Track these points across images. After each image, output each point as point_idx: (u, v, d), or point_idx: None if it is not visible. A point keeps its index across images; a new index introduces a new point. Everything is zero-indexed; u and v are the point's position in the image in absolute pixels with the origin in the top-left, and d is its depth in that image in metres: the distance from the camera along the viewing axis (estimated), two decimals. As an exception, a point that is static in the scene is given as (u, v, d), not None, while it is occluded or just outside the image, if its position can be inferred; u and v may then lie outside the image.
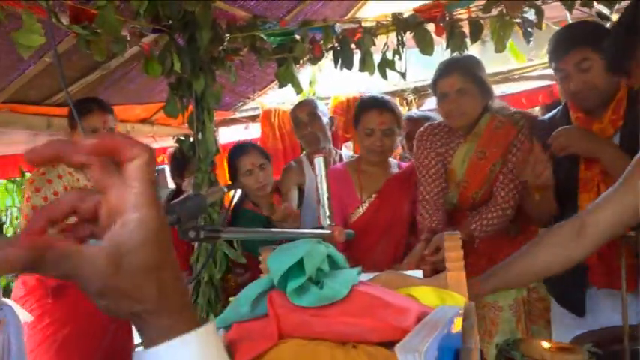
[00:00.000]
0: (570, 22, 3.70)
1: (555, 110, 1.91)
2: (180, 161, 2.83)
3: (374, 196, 2.08)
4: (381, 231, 2.04)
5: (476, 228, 1.85)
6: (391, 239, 2.05)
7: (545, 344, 1.31)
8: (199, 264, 2.18)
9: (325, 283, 0.97)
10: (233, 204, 2.39)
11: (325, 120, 2.52)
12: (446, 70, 1.94)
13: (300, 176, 2.51)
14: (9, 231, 3.73)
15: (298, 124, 2.52)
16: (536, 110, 3.75)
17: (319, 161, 1.24)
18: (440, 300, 1.13)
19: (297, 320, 0.96)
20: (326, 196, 1.25)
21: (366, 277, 1.32)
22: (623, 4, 2.18)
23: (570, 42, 1.69)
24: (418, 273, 1.34)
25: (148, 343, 0.42)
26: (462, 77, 1.89)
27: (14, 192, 3.70)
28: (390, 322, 0.90)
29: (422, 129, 2.09)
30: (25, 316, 2.02)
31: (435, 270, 1.58)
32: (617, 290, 1.59)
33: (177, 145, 2.49)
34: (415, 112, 2.90)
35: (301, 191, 2.50)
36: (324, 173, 1.25)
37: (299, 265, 0.96)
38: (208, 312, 2.21)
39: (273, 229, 1.53)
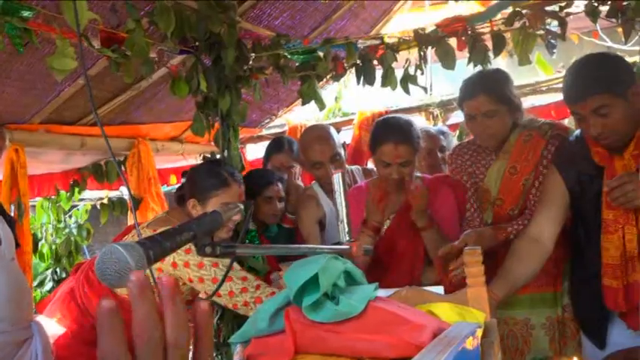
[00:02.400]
0: (600, 31, 3.64)
1: (573, 137, 1.78)
2: None
3: (392, 216, 2.05)
4: (403, 249, 2.02)
5: (512, 231, 1.78)
6: (414, 256, 2.03)
7: (573, 363, 1.27)
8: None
9: (341, 299, 0.98)
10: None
11: (342, 152, 2.28)
12: (472, 90, 1.86)
13: (318, 211, 2.32)
14: (44, 247, 3.86)
15: (316, 166, 2.25)
16: (566, 122, 3.68)
17: (337, 177, 1.26)
18: (459, 316, 1.12)
19: (313, 336, 0.97)
20: (345, 211, 1.26)
21: (386, 293, 1.31)
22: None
23: (586, 87, 1.53)
24: (439, 289, 1.33)
25: None
26: (488, 98, 1.82)
27: (49, 209, 3.83)
28: (405, 339, 0.89)
29: (452, 150, 2.06)
30: (55, 329, 2.07)
31: (456, 285, 1.56)
32: None
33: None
34: (431, 127, 2.85)
35: (321, 224, 2.33)
36: (342, 189, 1.26)
37: (315, 281, 0.97)
38: (234, 328, 2.23)
39: (290, 245, 1.54)
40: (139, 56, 2.03)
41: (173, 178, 4.28)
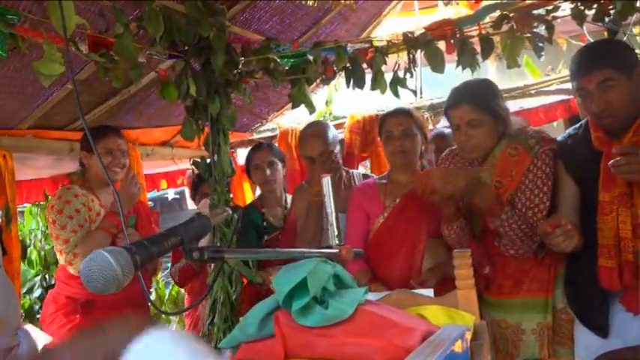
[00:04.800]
0: (588, 35, 3.69)
1: (578, 125, 1.86)
2: (198, 183, 2.89)
3: (397, 200, 2.10)
4: (401, 237, 2.04)
5: (502, 224, 1.76)
6: (413, 248, 2.04)
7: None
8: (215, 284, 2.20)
9: (330, 303, 0.97)
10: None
11: (338, 148, 2.40)
12: (456, 99, 1.86)
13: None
14: (33, 253, 3.82)
15: (311, 162, 2.38)
16: (555, 125, 3.71)
17: (326, 181, 1.25)
18: (449, 319, 1.12)
19: (303, 340, 0.96)
20: (334, 215, 1.25)
21: (376, 296, 1.31)
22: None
23: (593, 62, 1.64)
24: (429, 292, 1.33)
25: None
26: (472, 108, 1.81)
27: (38, 215, 3.79)
28: (394, 342, 0.89)
29: (443, 154, 2.06)
30: (44, 338, 2.06)
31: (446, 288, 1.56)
32: None
33: (193, 167, 2.54)
34: (445, 128, 2.88)
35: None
36: (331, 193, 1.26)
37: (304, 285, 0.97)
38: (225, 332, 2.22)
39: (278, 250, 1.54)
40: (128, 61, 2.02)
41: (164, 183, 4.26)
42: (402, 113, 2.16)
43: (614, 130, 1.67)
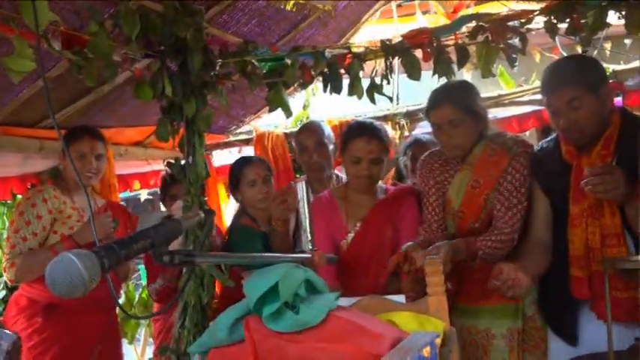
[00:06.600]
0: (560, 47, 3.78)
1: (549, 139, 1.90)
2: (169, 185, 2.84)
3: (358, 224, 2.07)
4: (368, 258, 2.04)
5: (480, 247, 1.81)
6: (379, 265, 2.04)
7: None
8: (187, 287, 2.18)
9: (301, 309, 0.97)
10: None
11: (331, 147, 2.46)
12: (437, 100, 1.91)
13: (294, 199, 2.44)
14: (-1, 253, 3.71)
15: (303, 150, 2.46)
16: (527, 135, 3.79)
17: (301, 186, 1.25)
18: (419, 325, 1.13)
19: (273, 345, 0.96)
20: (308, 220, 1.26)
21: (347, 301, 1.31)
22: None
23: (562, 80, 1.68)
24: (400, 298, 1.34)
25: None
26: (453, 108, 1.86)
27: (4, 215, 3.69)
28: (364, 348, 0.90)
29: (423, 156, 2.09)
30: (9, 339, 2.01)
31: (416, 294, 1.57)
32: (623, 322, 1.60)
33: (167, 168, 2.50)
34: (424, 135, 2.90)
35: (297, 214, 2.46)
36: (306, 198, 1.26)
37: (275, 290, 0.96)
38: (195, 336, 2.19)
39: (252, 254, 1.53)
40: (102, 59, 1.98)
41: (137, 184, 4.19)
42: (373, 137, 2.01)
43: (583, 144, 1.71)
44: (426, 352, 0.82)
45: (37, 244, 2.22)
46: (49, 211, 2.22)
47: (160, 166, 3.76)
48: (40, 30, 1.57)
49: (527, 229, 1.86)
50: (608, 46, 4.05)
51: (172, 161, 2.40)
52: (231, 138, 4.12)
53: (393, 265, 1.73)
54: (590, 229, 1.67)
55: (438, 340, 0.96)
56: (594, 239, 1.66)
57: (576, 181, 1.66)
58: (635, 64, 3.50)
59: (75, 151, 2.27)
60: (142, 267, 4.70)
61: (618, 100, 3.29)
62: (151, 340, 4.40)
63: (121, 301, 4.33)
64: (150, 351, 4.75)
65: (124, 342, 4.16)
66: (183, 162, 2.38)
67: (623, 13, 2.02)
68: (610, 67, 3.43)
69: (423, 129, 3.53)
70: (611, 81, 3.14)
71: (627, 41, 4.33)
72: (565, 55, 3.92)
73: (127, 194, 5.03)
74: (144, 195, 4.79)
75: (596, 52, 3.48)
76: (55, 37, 1.96)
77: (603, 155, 1.68)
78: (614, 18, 2.11)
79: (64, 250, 2.21)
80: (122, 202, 3.38)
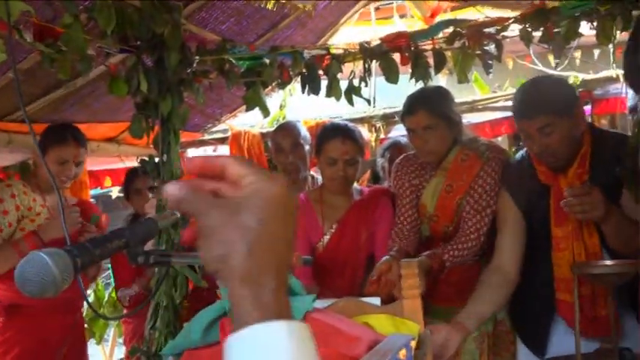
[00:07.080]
0: (533, 55, 3.86)
1: (522, 151, 1.90)
2: (134, 178, 2.79)
3: (334, 226, 2.07)
4: (344, 259, 2.04)
5: (447, 258, 1.83)
6: (355, 267, 2.05)
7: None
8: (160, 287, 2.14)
9: (278, 310, 0.96)
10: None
11: (307, 148, 2.45)
12: (412, 106, 1.93)
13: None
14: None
15: (279, 151, 2.44)
16: (500, 140, 3.86)
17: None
18: (394, 328, 1.13)
19: (249, 348, 0.95)
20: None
21: (323, 304, 1.31)
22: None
23: (534, 106, 1.64)
24: (376, 300, 1.34)
25: (239, 321, 0.44)
26: (428, 114, 1.88)
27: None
28: (340, 351, 0.89)
29: (398, 159, 2.11)
30: None
31: (392, 296, 1.58)
32: (598, 337, 1.60)
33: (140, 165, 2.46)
34: (402, 137, 2.92)
35: None
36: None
37: (252, 292, 0.95)
38: (167, 337, 2.15)
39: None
40: (76, 52, 1.93)
41: (108, 181, 4.11)
42: (348, 139, 2.01)
43: (557, 167, 1.70)
44: (402, 354, 0.83)
45: (0, 241, 2.15)
46: (16, 207, 2.15)
47: (133, 163, 3.70)
48: (12, 21, 1.52)
49: (494, 250, 1.82)
50: (578, 55, 4.16)
51: (146, 159, 2.35)
52: (207, 136, 4.09)
53: (374, 290, 1.70)
54: (576, 252, 1.66)
55: (413, 343, 0.96)
56: (581, 260, 1.65)
57: (556, 204, 1.65)
58: (603, 73, 3.61)
59: (56, 155, 2.17)
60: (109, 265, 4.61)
61: (587, 109, 3.38)
62: (120, 340, 4.32)
63: (90, 299, 4.22)
64: (119, 352, 4.65)
65: (92, 342, 4.08)
66: (157, 160, 2.34)
67: (595, 24, 2.08)
68: (580, 76, 3.53)
69: (399, 131, 3.57)
70: (580, 90, 3.24)
71: (596, 51, 4.46)
72: (537, 63, 4.04)
73: (98, 191, 4.93)
74: (115, 192, 4.70)
75: (567, 62, 3.57)
76: (27, 29, 1.90)
77: (580, 174, 1.67)
78: (585, 28, 2.17)
79: (27, 247, 2.10)
80: (92, 200, 3.31)
